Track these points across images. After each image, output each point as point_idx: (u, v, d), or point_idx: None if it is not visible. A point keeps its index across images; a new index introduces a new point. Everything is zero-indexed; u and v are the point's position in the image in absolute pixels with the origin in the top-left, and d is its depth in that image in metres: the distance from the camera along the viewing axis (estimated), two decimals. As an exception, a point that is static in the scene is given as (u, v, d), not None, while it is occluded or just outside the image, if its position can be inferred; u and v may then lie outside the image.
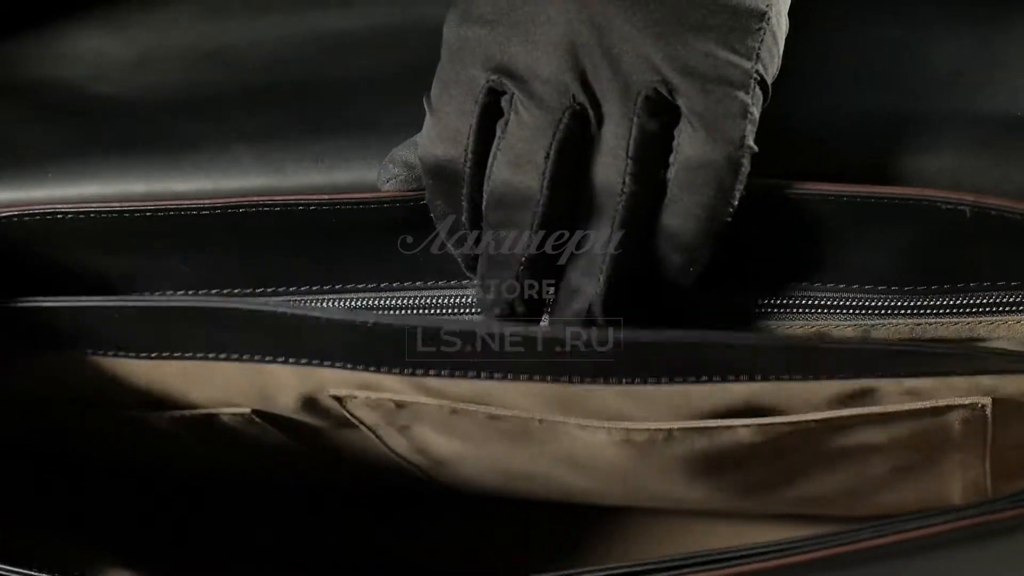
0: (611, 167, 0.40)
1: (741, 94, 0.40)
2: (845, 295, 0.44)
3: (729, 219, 0.40)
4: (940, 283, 0.43)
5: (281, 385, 0.47)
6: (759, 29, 0.40)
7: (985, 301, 0.43)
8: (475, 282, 0.44)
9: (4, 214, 0.45)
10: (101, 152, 0.48)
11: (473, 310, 0.46)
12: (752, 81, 0.40)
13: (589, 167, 0.41)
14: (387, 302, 0.47)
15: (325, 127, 0.47)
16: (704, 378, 0.43)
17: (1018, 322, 0.42)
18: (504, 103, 0.41)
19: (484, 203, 0.42)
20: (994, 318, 0.43)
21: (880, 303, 0.43)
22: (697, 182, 0.40)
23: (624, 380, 0.43)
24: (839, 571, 0.36)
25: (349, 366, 0.45)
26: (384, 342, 0.43)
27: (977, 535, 0.36)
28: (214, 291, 0.47)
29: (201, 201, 0.45)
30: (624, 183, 0.40)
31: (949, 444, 0.46)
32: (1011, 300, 0.42)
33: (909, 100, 0.44)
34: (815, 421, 0.43)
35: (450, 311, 0.46)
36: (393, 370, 0.44)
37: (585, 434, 0.46)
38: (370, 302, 0.47)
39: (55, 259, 0.47)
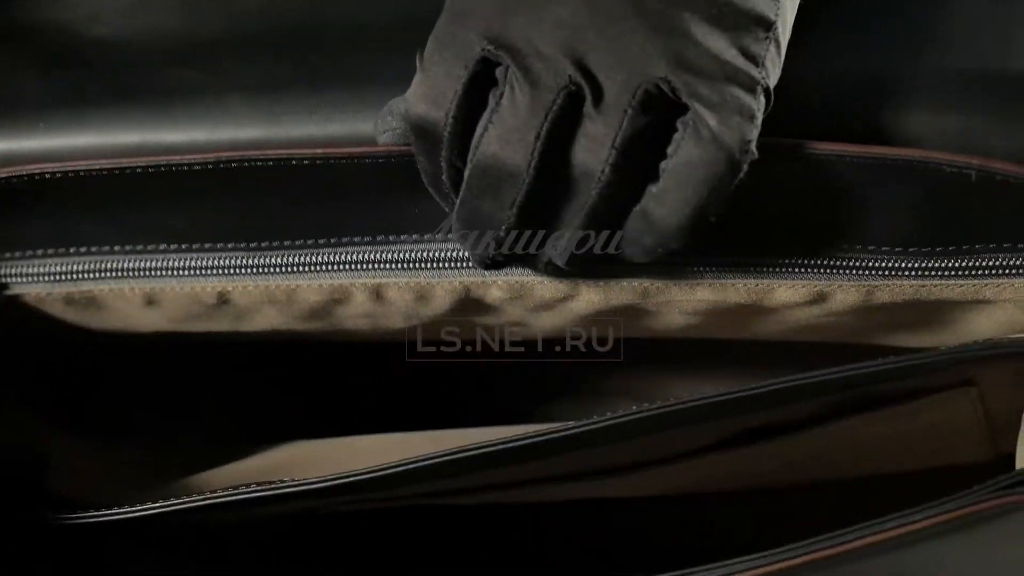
0: (594, 153, 0.40)
1: (750, 98, 0.39)
2: (848, 256, 0.43)
3: (714, 219, 0.40)
4: (945, 245, 0.42)
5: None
6: (766, 38, 0.40)
7: (991, 264, 0.42)
8: (457, 235, 0.43)
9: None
10: (94, 103, 0.47)
11: (471, 264, 0.46)
12: (759, 88, 0.39)
13: (571, 145, 0.40)
14: (384, 255, 0.46)
15: (322, 78, 0.46)
16: None
17: None
18: (499, 74, 0.41)
19: (468, 170, 0.41)
20: (1000, 280, 0.42)
21: (885, 263, 0.43)
22: (694, 179, 0.39)
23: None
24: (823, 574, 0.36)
25: None
26: None
27: (960, 526, 0.36)
28: (207, 245, 0.46)
29: (192, 156, 0.44)
30: (603, 172, 0.40)
31: None
32: (1017, 263, 0.42)
33: (921, 60, 0.43)
34: None
35: (447, 264, 0.46)
36: None
37: None
38: (367, 255, 0.46)
39: (47, 218, 0.46)
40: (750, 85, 0.39)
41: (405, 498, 0.45)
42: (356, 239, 0.46)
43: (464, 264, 0.46)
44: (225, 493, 0.43)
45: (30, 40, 0.49)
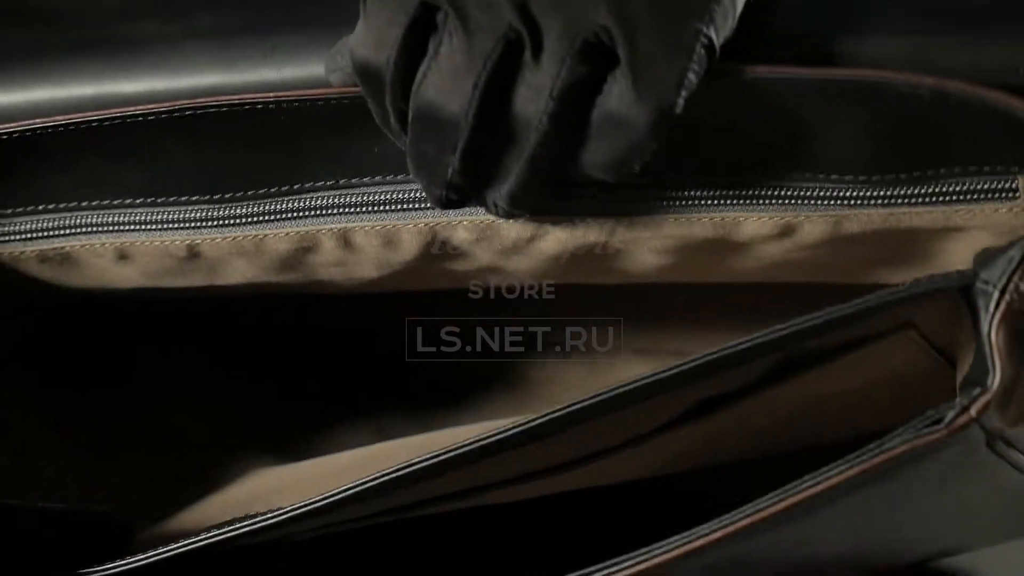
0: (533, 103, 0.39)
1: (683, 59, 0.38)
2: (813, 185, 0.42)
3: (636, 171, 0.39)
4: (909, 171, 0.41)
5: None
6: None
7: (959, 188, 0.41)
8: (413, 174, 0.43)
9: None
10: (50, 56, 0.46)
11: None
12: (699, 44, 0.38)
13: (511, 93, 0.39)
14: (348, 199, 0.45)
15: (277, 22, 0.45)
16: None
17: (996, 210, 0.40)
18: (439, 20, 0.40)
19: (410, 115, 0.40)
20: (971, 206, 0.41)
21: (851, 192, 0.41)
22: (613, 135, 0.39)
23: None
24: (743, 543, 0.36)
25: None
26: None
27: (875, 478, 0.35)
28: (171, 199, 0.46)
29: (146, 107, 0.43)
30: (541, 121, 0.39)
31: None
32: (986, 187, 0.40)
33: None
34: None
35: (411, 205, 0.45)
36: None
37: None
38: (331, 199, 0.45)
39: (10, 177, 0.46)
40: (689, 44, 0.38)
41: (382, 514, 0.44)
42: (319, 184, 0.45)
43: (428, 205, 0.45)
44: (195, 540, 0.43)
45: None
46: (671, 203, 0.43)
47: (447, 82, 0.39)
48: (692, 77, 0.38)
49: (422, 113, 0.40)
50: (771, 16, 0.41)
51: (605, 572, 0.36)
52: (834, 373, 0.40)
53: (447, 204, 0.43)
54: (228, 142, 0.44)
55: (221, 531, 0.41)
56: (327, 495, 0.39)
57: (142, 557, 0.41)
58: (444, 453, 0.38)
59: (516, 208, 0.42)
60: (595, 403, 0.37)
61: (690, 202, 0.43)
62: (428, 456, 0.38)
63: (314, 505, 0.39)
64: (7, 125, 0.44)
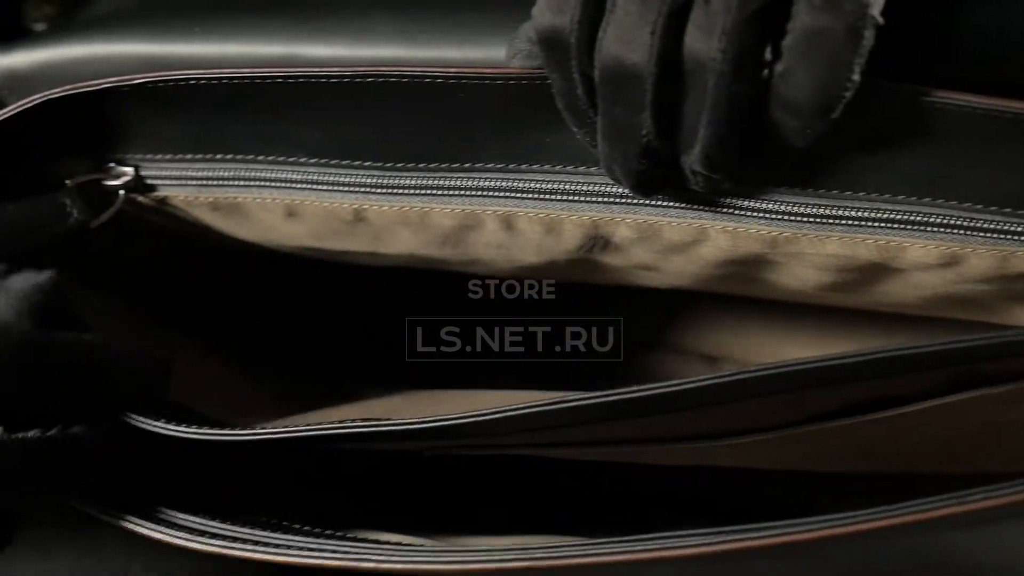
0: (705, 42, 0.37)
1: None
2: (987, 217, 0.41)
3: (847, 93, 0.37)
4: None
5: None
6: None
7: None
8: (599, 158, 0.42)
9: (137, 80, 0.45)
10: (246, 12, 0.47)
11: (601, 199, 0.45)
12: None
13: (688, 38, 0.38)
14: (515, 183, 0.46)
15: (462, 1, 0.46)
16: None
17: None
18: None
19: (596, 77, 0.40)
20: None
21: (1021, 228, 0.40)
22: (812, 53, 0.37)
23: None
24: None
25: None
26: None
27: None
28: (344, 162, 0.47)
29: (331, 69, 0.44)
30: (715, 59, 0.37)
31: None
32: None
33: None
34: None
35: (578, 197, 0.45)
36: None
37: None
38: (499, 182, 0.46)
39: (192, 124, 0.47)
40: None
41: (510, 446, 0.44)
42: (489, 165, 0.46)
43: (595, 199, 0.45)
44: (352, 424, 0.43)
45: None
46: (838, 221, 0.43)
47: (627, 34, 0.38)
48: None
49: (607, 71, 0.39)
50: (970, 37, 0.40)
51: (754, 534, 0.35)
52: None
53: (642, 182, 0.42)
54: (405, 112, 0.45)
55: (370, 423, 0.42)
56: (502, 409, 0.39)
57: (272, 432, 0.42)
58: (645, 392, 0.37)
59: (714, 171, 0.40)
60: (774, 375, 0.36)
61: (858, 223, 0.43)
62: (625, 393, 0.37)
63: (489, 416, 0.39)
64: (194, 72, 0.45)
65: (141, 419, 0.43)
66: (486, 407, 0.39)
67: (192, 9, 0.48)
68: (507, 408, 0.39)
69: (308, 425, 0.42)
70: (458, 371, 0.54)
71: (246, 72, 0.45)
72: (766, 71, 0.38)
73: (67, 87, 0.46)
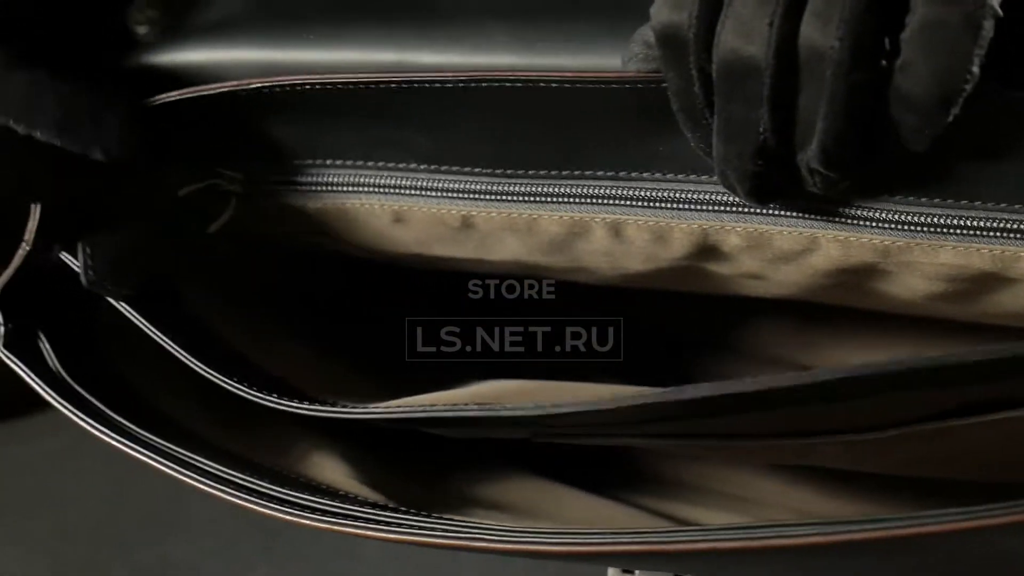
0: (823, 32, 0.37)
1: None
2: None
3: (967, 86, 0.36)
4: None
5: None
6: None
7: None
8: (714, 163, 0.42)
9: (255, 84, 0.46)
10: (360, 19, 0.47)
11: (712, 208, 0.45)
12: None
13: (806, 29, 0.38)
14: (624, 191, 0.46)
15: (577, 9, 0.46)
16: None
17: None
18: None
19: (714, 73, 0.39)
20: None
21: None
22: (930, 44, 0.36)
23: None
24: None
25: None
26: None
27: None
28: (454, 168, 0.47)
29: (444, 73, 0.44)
30: (833, 48, 0.37)
31: None
32: None
33: None
34: None
35: (688, 205, 0.45)
36: None
37: None
38: (608, 190, 0.46)
39: (304, 128, 0.48)
40: None
41: (616, 435, 0.44)
42: (599, 172, 0.46)
43: (706, 207, 0.45)
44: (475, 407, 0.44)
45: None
46: (953, 230, 0.42)
47: (744, 26, 0.38)
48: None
49: (725, 65, 0.39)
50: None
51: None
52: None
53: (757, 187, 0.42)
54: (516, 117, 0.45)
55: (514, 408, 0.42)
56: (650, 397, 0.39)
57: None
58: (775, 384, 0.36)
59: (831, 168, 0.40)
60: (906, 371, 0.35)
61: (973, 232, 0.42)
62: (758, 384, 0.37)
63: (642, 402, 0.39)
64: (310, 76, 0.46)
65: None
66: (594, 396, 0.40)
67: (304, 15, 0.48)
68: (627, 398, 0.39)
69: (431, 404, 0.43)
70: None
71: (361, 76, 0.45)
72: (884, 62, 0.37)
73: (184, 90, 0.46)
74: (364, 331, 0.61)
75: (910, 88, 0.37)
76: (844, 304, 0.50)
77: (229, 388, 0.46)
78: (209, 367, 0.47)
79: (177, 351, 0.47)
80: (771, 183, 0.42)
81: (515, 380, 0.48)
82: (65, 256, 0.48)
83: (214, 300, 0.51)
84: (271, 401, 0.46)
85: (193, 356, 0.47)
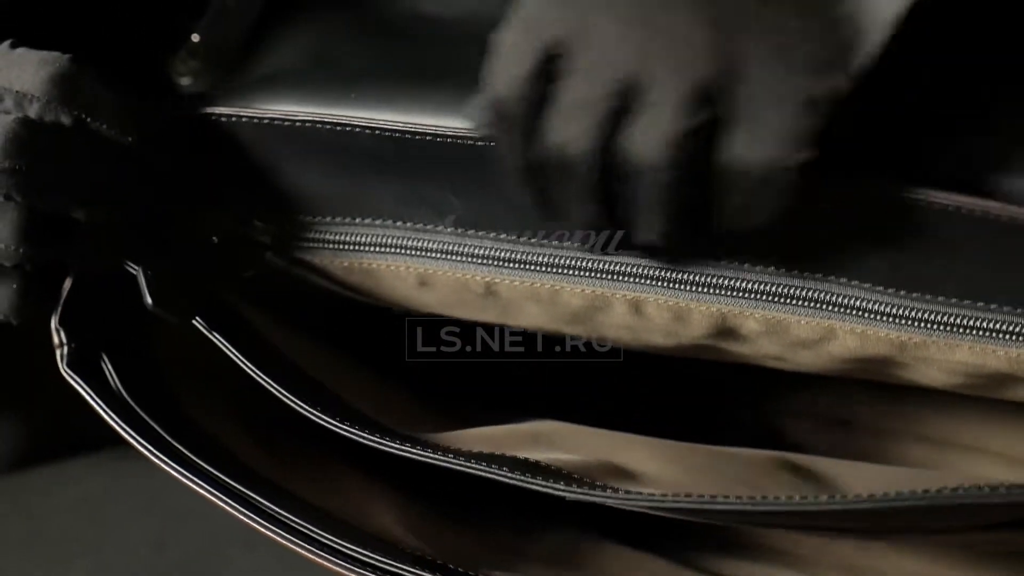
0: (648, 148, 0.40)
1: (798, 113, 0.39)
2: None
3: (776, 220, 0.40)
4: None
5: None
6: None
7: None
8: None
9: (300, 117, 0.47)
10: (402, 80, 0.48)
11: (729, 293, 0.46)
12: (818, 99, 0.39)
13: (632, 138, 0.40)
14: (646, 270, 0.46)
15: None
16: None
17: None
18: (561, 64, 0.41)
19: (536, 160, 0.42)
20: None
21: None
22: (737, 186, 0.40)
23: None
24: None
25: None
26: None
27: None
28: (480, 232, 0.48)
29: (472, 131, 0.45)
30: (661, 166, 0.40)
31: None
32: None
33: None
34: None
35: (706, 289, 0.46)
36: None
37: None
38: (629, 268, 0.46)
39: (335, 180, 0.49)
40: (804, 97, 0.39)
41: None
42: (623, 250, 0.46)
43: (724, 292, 0.45)
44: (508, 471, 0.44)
45: (358, 7, 0.51)
46: (969, 331, 0.43)
47: (567, 123, 0.41)
48: (811, 131, 0.39)
49: (545, 156, 0.41)
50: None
51: None
52: None
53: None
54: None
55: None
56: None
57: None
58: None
59: (666, 244, 0.43)
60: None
61: (990, 334, 0.42)
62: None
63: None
64: (350, 117, 0.47)
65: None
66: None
67: (352, 74, 0.49)
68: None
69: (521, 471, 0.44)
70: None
71: (398, 124, 0.47)
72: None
73: (228, 108, 0.48)
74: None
75: (722, 211, 0.41)
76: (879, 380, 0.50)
77: (306, 414, 0.46)
78: (290, 393, 0.47)
79: (259, 375, 0.47)
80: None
81: (569, 424, 0.48)
82: (130, 272, 0.48)
83: (280, 329, 0.51)
84: (352, 433, 0.46)
85: (275, 381, 0.47)
